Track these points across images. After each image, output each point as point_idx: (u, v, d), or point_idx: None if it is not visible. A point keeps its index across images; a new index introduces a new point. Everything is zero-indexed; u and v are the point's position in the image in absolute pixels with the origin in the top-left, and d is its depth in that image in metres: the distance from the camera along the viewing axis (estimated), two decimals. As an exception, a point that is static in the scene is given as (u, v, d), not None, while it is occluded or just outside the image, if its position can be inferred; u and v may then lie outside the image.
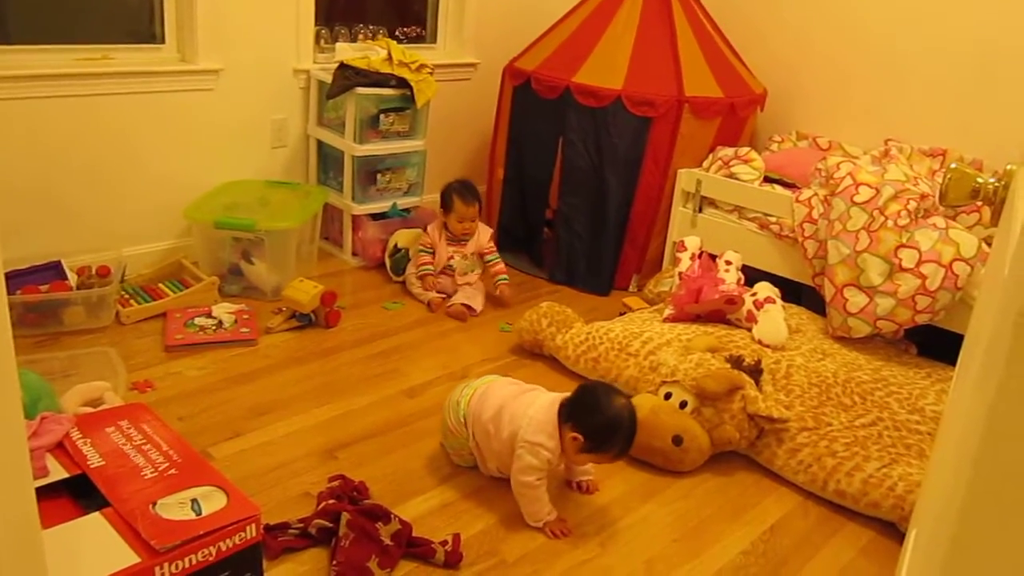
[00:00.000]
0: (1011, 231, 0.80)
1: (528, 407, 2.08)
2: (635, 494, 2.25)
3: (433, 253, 3.26)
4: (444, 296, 3.23)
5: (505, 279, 3.31)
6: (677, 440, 2.30)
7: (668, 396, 2.41)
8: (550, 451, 2.01)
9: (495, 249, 3.35)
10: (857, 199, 2.87)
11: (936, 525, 0.87)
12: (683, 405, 2.37)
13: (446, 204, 3.24)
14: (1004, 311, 0.69)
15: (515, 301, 3.26)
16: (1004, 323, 0.68)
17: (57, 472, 1.71)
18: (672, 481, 2.32)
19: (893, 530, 2.17)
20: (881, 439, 2.35)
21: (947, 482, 0.87)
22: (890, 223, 2.80)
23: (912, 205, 2.83)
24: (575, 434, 1.99)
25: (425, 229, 3.32)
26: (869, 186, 2.88)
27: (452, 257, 3.27)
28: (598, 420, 1.99)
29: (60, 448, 1.80)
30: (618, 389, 2.13)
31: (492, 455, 2.15)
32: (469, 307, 3.20)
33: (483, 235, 3.32)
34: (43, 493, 1.62)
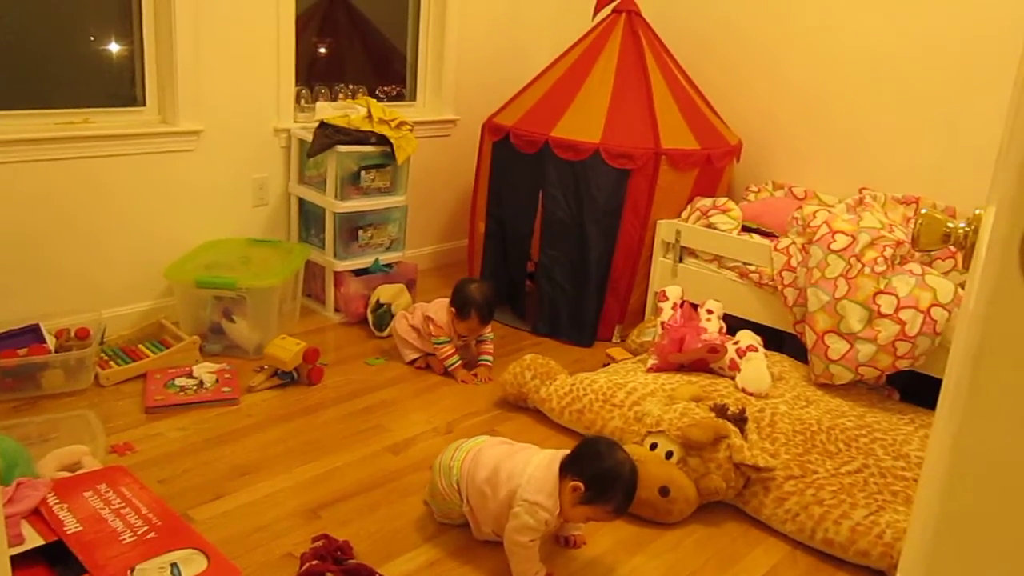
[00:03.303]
0: (977, 273, 0.82)
1: (526, 465, 2.05)
2: (623, 547, 2.22)
3: (450, 341, 3.14)
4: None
5: (488, 360, 3.20)
6: (664, 491, 2.29)
7: (654, 446, 2.40)
8: (548, 511, 1.97)
9: (491, 331, 3.24)
10: (834, 247, 2.91)
11: (911, 562, 0.87)
12: (669, 455, 2.36)
13: (462, 313, 3.07)
14: (967, 343, 0.70)
15: (497, 355, 3.25)
16: (967, 355, 0.69)
17: (33, 539, 1.68)
18: (660, 533, 2.30)
19: (883, 578, 2.15)
20: (867, 486, 2.35)
21: (919, 520, 0.87)
22: (867, 270, 2.83)
23: (888, 252, 2.87)
24: (576, 482, 1.95)
25: (431, 320, 3.12)
26: (845, 234, 2.92)
27: (458, 350, 3.17)
28: (600, 467, 1.96)
29: (36, 514, 1.77)
30: (621, 446, 2.10)
31: (488, 518, 2.09)
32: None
33: (487, 328, 3.22)
34: (18, 561, 1.59)
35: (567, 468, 2.00)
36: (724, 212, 3.40)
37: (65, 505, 1.80)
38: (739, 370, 2.87)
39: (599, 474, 1.96)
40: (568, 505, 1.98)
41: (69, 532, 1.70)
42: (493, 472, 2.07)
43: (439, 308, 3.14)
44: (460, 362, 3.14)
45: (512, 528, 1.99)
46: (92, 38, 3.19)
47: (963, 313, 0.92)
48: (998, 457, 0.68)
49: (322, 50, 4.02)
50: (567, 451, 2.06)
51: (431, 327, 3.11)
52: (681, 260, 3.47)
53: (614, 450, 2.02)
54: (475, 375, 3.14)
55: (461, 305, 3.07)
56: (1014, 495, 0.68)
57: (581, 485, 1.95)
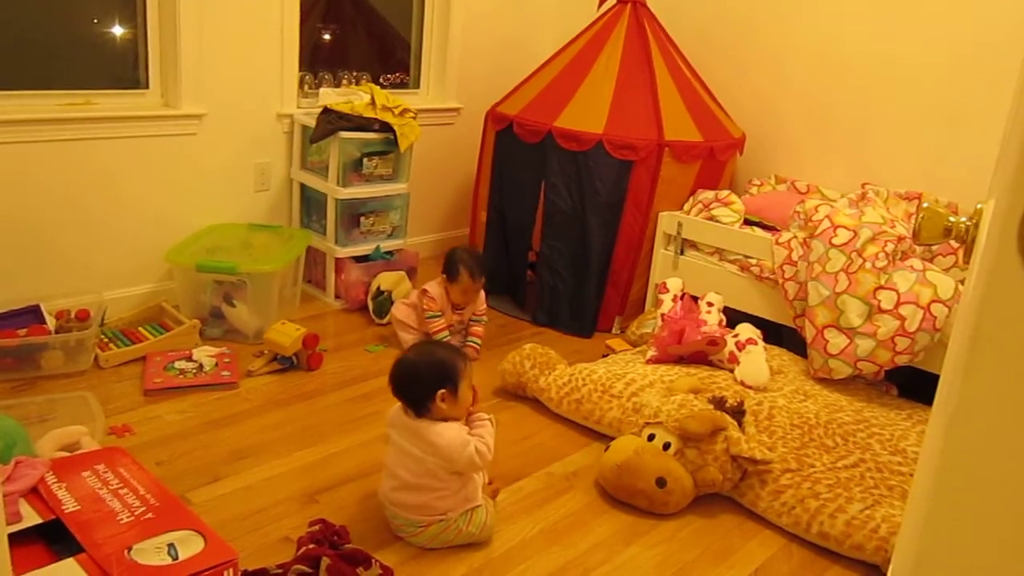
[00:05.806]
0: (977, 259, 0.82)
1: (427, 451, 2.02)
2: (619, 537, 2.23)
3: (442, 316, 3.15)
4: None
5: (476, 343, 3.22)
6: (660, 482, 2.29)
7: (651, 437, 2.40)
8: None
9: (484, 313, 3.28)
10: (835, 241, 2.91)
11: (904, 545, 0.88)
12: (666, 447, 2.36)
13: (452, 274, 3.11)
14: (965, 325, 0.70)
15: (497, 344, 3.25)
16: (964, 337, 0.69)
17: (31, 517, 1.69)
18: (656, 524, 2.30)
19: (877, 573, 2.16)
20: (864, 480, 2.35)
21: (914, 505, 0.87)
22: (868, 265, 2.83)
23: (889, 247, 2.86)
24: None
25: (425, 292, 3.15)
26: (847, 228, 2.92)
27: (452, 325, 3.19)
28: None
29: (34, 493, 1.77)
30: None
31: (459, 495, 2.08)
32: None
33: (481, 301, 3.24)
34: (16, 539, 1.60)
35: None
36: (726, 205, 3.40)
37: (63, 485, 1.81)
38: (738, 363, 2.87)
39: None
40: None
41: (67, 511, 1.71)
42: (426, 484, 2.05)
43: (433, 282, 3.19)
44: (450, 339, 3.15)
45: (474, 455, 2.02)
46: (96, 19, 3.18)
47: (963, 299, 0.93)
48: (992, 438, 0.68)
49: (326, 36, 4.01)
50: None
51: (425, 300, 3.13)
52: (682, 252, 3.46)
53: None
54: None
55: (450, 267, 3.12)
56: (1007, 477, 0.69)
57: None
